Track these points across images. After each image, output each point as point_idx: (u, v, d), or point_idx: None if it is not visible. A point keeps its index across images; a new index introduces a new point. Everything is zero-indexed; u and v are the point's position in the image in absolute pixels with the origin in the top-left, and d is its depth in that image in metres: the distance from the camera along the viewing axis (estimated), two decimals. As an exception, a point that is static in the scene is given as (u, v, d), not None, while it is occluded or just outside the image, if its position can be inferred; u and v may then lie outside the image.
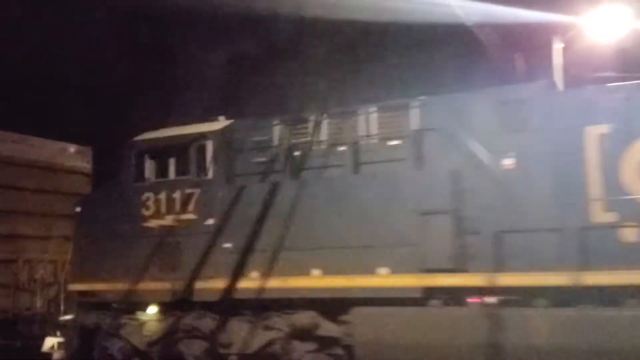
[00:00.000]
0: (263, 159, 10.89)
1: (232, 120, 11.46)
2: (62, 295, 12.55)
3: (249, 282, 10.50)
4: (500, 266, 8.73)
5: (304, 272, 10.08)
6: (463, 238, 9.06)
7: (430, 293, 9.29)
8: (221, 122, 11.46)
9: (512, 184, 8.97)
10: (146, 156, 11.62)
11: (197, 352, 11.03)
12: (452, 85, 10.69)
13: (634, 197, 8.32)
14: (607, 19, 13.07)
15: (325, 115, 10.75)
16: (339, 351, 10.09)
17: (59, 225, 14.39)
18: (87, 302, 12.05)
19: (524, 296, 8.73)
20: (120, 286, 11.55)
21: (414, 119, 9.93)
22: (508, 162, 9.12)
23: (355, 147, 10.14)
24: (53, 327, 12.47)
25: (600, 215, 8.50)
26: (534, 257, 8.62)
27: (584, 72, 14.10)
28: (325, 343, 10.18)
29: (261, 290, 10.39)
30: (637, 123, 8.49)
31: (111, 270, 11.65)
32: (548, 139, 8.90)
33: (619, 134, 8.54)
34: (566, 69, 14.40)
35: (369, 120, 10.31)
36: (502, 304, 8.84)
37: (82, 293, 12.09)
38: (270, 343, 10.51)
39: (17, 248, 13.76)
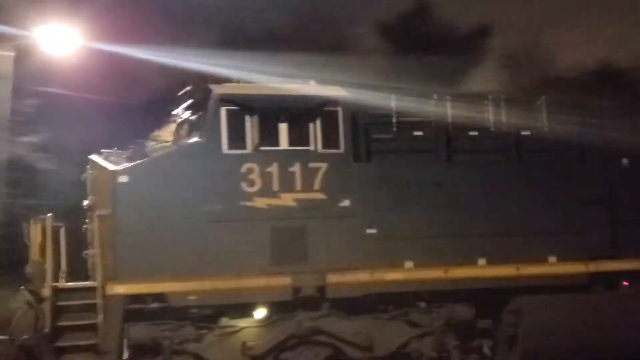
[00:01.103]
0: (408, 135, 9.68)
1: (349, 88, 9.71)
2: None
3: (402, 274, 9.22)
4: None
5: (469, 261, 9.42)
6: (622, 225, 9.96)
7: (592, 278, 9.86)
8: (340, 89, 9.62)
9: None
10: (248, 117, 8.96)
11: (313, 361, 9.07)
12: None
13: None
14: (58, 35, 13.19)
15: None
16: (486, 343, 9.72)
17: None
18: (140, 310, 8.55)
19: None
20: (209, 285, 8.63)
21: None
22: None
23: (517, 135, 9.94)
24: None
25: None
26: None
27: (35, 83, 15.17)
28: (471, 336, 9.67)
29: (416, 282, 9.26)
30: None
31: (191, 265, 8.60)
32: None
33: None
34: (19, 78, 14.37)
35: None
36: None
37: (135, 297, 8.52)
38: (408, 341, 9.39)
39: None
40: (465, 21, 21.77)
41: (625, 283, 10.12)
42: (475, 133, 9.99)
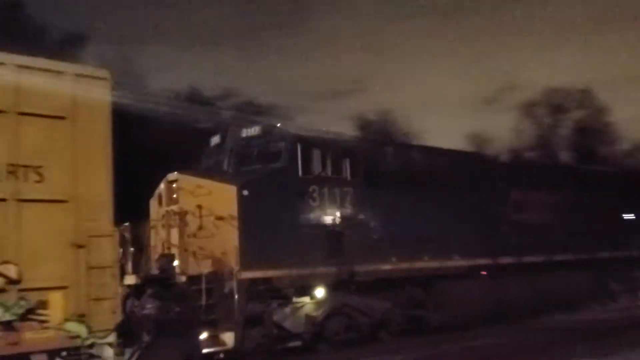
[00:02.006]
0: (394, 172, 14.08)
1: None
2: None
3: (390, 265, 13.62)
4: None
5: (421, 257, 14.24)
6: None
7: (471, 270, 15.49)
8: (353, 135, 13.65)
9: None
10: (314, 152, 12.50)
11: (339, 326, 12.90)
12: None
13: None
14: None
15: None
16: (422, 312, 14.57)
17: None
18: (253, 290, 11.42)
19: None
20: (295, 272, 11.94)
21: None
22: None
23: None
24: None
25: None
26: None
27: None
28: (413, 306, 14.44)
29: (397, 271, 13.73)
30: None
31: (283, 257, 11.83)
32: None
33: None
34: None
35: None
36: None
37: (253, 281, 11.33)
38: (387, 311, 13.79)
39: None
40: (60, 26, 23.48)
41: (484, 272, 16.08)
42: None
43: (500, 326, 15.45)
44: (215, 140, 13.49)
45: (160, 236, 12.04)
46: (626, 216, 21.50)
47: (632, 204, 21.33)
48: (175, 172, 12.03)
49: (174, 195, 11.96)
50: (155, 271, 11.17)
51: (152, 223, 12.27)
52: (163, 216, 12.00)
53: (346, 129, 22.34)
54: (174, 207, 11.75)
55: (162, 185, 12.20)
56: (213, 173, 12.29)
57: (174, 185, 11.94)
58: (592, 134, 54.56)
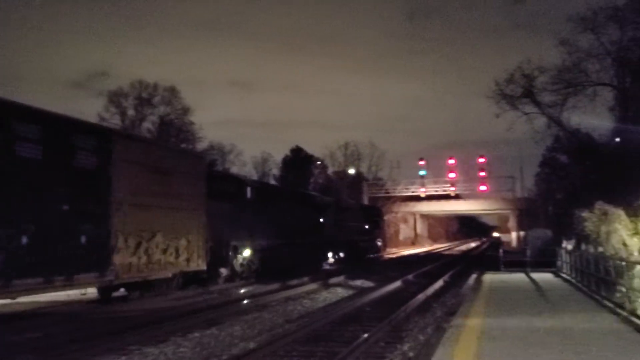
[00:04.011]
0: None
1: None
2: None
3: (262, 242, 28.43)
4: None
5: (270, 238, 29.29)
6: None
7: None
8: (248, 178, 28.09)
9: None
10: (251, 188, 26.87)
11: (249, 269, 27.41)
12: None
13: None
14: None
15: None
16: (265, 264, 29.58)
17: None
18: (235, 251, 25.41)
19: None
20: (242, 242, 26.21)
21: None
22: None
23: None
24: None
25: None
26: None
27: None
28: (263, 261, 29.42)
29: (262, 244, 28.59)
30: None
31: (239, 235, 26.06)
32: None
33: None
34: None
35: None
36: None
37: (233, 246, 25.26)
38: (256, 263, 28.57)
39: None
40: None
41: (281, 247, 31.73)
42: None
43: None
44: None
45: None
46: (321, 219, 39.28)
47: (321, 213, 39.13)
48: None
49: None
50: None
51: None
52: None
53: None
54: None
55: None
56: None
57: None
58: (175, 130, 58.88)
